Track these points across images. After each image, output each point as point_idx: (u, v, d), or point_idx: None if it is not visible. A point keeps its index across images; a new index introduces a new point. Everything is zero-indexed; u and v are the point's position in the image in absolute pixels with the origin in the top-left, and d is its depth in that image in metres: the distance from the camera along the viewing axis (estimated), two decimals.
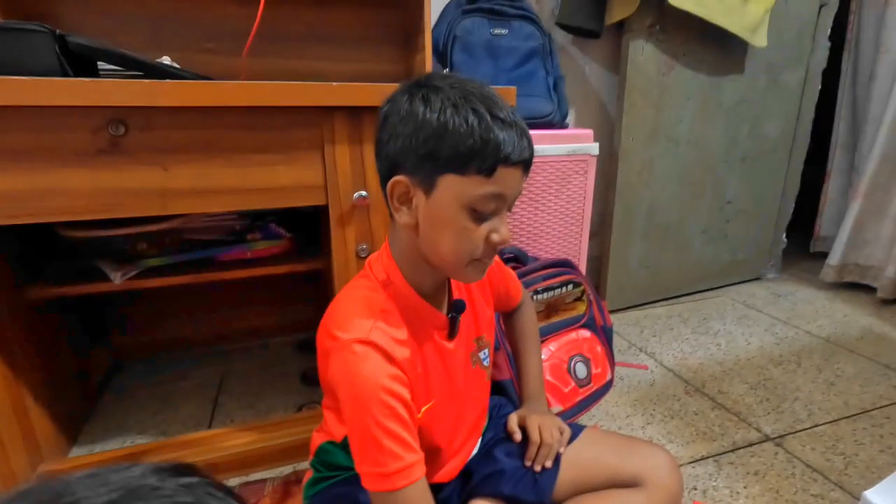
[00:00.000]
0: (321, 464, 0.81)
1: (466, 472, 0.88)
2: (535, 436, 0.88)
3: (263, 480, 1.01)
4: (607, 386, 1.35)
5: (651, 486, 0.82)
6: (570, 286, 1.36)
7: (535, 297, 1.28)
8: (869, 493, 0.79)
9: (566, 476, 0.86)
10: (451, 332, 0.75)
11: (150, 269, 1.05)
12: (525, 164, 0.62)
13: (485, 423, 0.90)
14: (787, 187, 2.10)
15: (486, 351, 0.86)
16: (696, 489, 1.02)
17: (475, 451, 0.88)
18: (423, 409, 0.71)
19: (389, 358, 0.62)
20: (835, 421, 1.23)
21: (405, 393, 0.63)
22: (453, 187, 0.60)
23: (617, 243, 1.80)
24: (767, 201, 2.09)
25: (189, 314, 1.50)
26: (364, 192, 0.92)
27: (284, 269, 1.07)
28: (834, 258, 2.02)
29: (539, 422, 0.90)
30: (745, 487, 1.02)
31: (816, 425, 1.22)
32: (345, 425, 0.64)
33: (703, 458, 1.11)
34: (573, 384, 1.25)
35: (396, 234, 0.70)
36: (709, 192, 1.92)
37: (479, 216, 0.62)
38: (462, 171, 0.59)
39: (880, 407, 1.29)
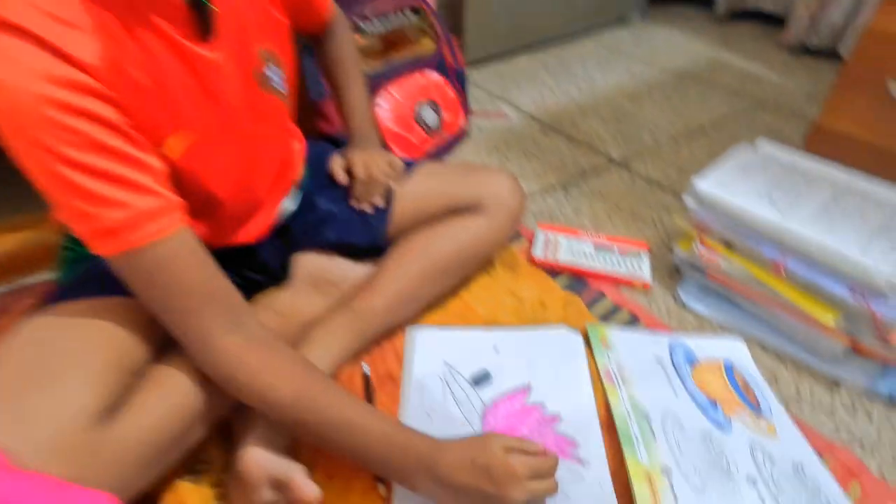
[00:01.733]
0: (71, 241, 0.60)
1: (284, 230, 0.74)
2: (360, 172, 0.73)
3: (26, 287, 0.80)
4: (461, 135, 1.23)
5: (490, 208, 0.75)
6: (410, 14, 1.11)
7: (364, 27, 1.03)
8: (696, 180, 0.79)
9: (401, 212, 0.75)
10: (203, 30, 0.50)
11: None
12: None
13: (298, 170, 0.73)
14: None
15: (278, 70, 0.63)
16: (543, 213, 1.01)
17: (292, 205, 0.73)
18: (175, 145, 0.50)
19: (58, 53, 0.38)
20: (675, 141, 1.26)
21: (103, 109, 0.41)
22: None
23: None
24: None
25: None
26: None
27: None
28: None
29: (365, 158, 0.75)
30: (589, 206, 1.03)
31: (659, 147, 1.24)
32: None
33: (552, 188, 1.09)
34: (422, 133, 1.11)
35: None
36: None
37: None
38: None
39: (715, 123, 1.34)
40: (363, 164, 0.74)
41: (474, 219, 0.75)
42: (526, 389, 0.64)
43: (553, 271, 0.86)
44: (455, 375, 0.65)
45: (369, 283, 0.70)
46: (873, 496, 0.56)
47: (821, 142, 1.02)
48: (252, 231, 0.68)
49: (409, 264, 0.71)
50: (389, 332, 0.70)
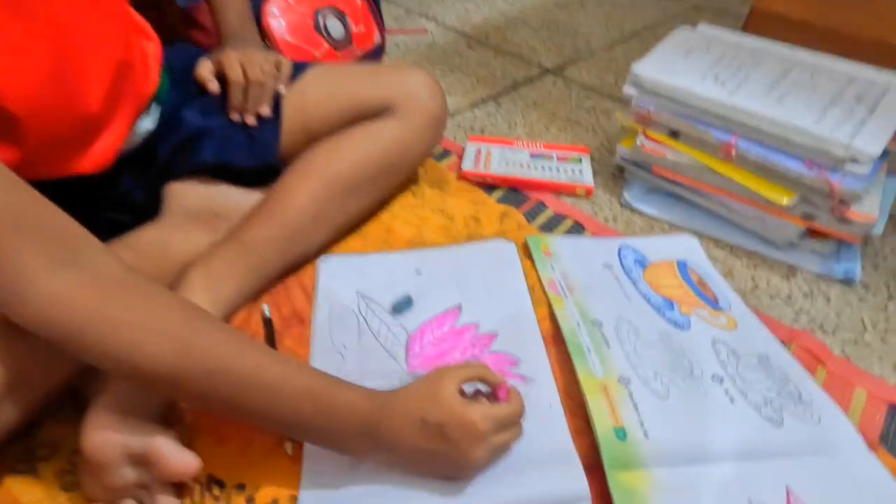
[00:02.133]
0: None
1: (147, 155, 0.59)
2: (236, 75, 0.58)
3: None
4: (377, 52, 1.08)
5: (405, 110, 0.62)
6: None
7: None
8: (636, 65, 0.70)
9: (293, 121, 0.62)
10: None
11: None
12: None
13: (152, 79, 0.57)
14: None
15: None
16: (473, 129, 0.90)
17: (150, 123, 0.58)
18: None
19: None
20: (610, 46, 1.17)
21: None
22: None
23: None
24: None
25: None
26: None
27: None
28: None
29: (241, 58, 0.59)
30: (523, 117, 0.93)
31: (594, 53, 1.14)
32: None
33: (482, 101, 0.97)
34: (326, 46, 0.95)
35: None
36: None
37: None
38: None
39: (649, 27, 1.26)
40: (238, 64, 0.59)
41: (386, 124, 0.62)
42: (456, 310, 0.55)
43: (486, 185, 0.75)
44: (371, 306, 0.55)
45: (262, 209, 0.57)
46: (839, 378, 0.52)
47: (758, 26, 0.95)
48: (96, 157, 0.52)
49: (310, 183, 0.58)
50: (294, 265, 0.58)
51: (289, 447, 0.44)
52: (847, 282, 0.64)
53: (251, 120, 0.60)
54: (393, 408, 0.38)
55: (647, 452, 0.42)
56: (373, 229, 0.65)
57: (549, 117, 0.93)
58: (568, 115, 0.93)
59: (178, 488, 0.40)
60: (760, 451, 0.43)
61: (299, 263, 0.59)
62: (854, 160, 0.57)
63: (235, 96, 0.59)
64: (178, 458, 0.37)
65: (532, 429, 0.44)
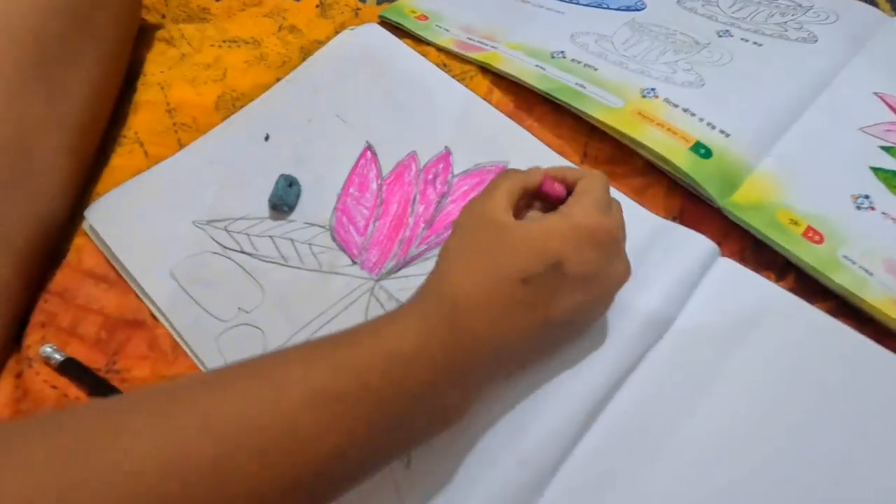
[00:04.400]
0: None
1: None
2: None
3: None
4: None
5: None
6: None
7: None
8: None
9: None
10: None
11: None
12: None
13: None
14: None
15: None
16: None
17: None
18: None
19: None
20: None
21: None
22: None
23: None
24: None
25: None
26: None
27: None
28: None
29: None
30: None
31: None
32: None
33: None
34: None
35: None
36: None
37: None
38: None
39: None
40: None
41: None
42: (365, 153, 0.33)
43: None
44: (237, 227, 0.30)
45: None
46: None
47: None
48: None
49: None
50: (35, 248, 0.29)
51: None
52: None
53: None
54: (458, 303, 0.20)
55: (742, 151, 0.29)
56: (142, 121, 0.35)
57: None
58: None
59: None
60: (830, 75, 0.33)
61: (44, 240, 0.29)
62: None
63: None
64: None
65: None
